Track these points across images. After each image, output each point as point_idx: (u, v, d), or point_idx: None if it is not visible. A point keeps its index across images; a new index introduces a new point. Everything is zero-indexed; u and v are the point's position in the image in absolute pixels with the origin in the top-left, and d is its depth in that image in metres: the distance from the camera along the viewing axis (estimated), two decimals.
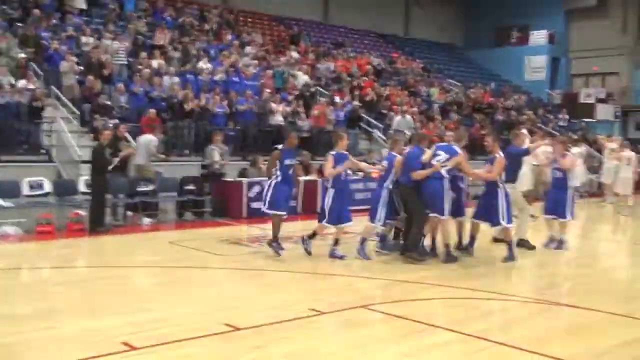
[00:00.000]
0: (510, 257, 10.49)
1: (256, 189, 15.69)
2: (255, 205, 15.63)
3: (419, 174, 10.26)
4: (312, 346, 6.29)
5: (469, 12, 44.86)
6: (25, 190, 13.92)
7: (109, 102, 17.70)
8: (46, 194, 14.14)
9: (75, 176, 15.04)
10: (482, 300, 8.22)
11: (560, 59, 41.52)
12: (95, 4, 23.55)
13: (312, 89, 23.75)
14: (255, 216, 15.46)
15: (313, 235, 11.02)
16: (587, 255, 11.69)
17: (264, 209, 10.92)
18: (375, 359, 5.97)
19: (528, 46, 41.25)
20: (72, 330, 6.57)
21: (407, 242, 10.66)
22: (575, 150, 16.14)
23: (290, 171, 11.08)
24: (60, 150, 16.16)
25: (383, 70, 30.06)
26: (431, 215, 10.35)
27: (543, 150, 14.16)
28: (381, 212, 10.70)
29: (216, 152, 16.30)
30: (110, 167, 13.57)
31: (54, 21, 20.87)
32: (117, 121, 16.47)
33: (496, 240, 11.63)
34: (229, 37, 25.42)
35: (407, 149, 10.88)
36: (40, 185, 14.15)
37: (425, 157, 10.38)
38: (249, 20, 31.05)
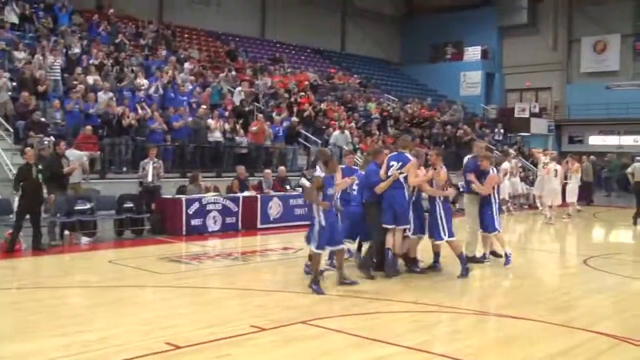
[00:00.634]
0: (464, 272, 10.52)
1: (195, 206, 15.65)
2: (194, 222, 15.61)
3: (380, 188, 10.36)
4: None
5: (404, 29, 45.71)
6: None
7: (43, 119, 17.41)
8: None
9: (9, 195, 14.71)
10: (421, 313, 8.36)
11: (495, 74, 42.65)
12: (27, 18, 23.13)
13: (250, 105, 23.77)
14: (195, 233, 15.44)
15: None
16: (524, 267, 11.99)
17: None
18: None
19: (463, 62, 42.24)
20: (5, 355, 6.44)
21: (364, 257, 10.81)
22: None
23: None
24: None
25: (320, 85, 30.31)
26: (398, 227, 10.44)
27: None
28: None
29: (150, 167, 16.15)
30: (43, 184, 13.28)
31: None
32: (52, 138, 16.19)
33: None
34: (165, 52, 25.29)
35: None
36: None
37: (381, 173, 10.48)
38: (186, 36, 30.96)
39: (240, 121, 21.88)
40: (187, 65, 24.58)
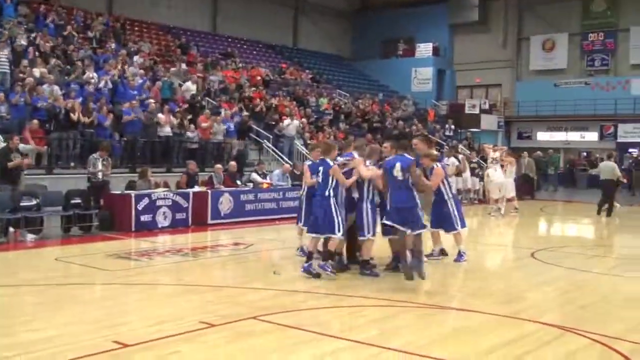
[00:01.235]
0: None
1: (145, 201, 15.47)
2: (144, 218, 15.42)
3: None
4: (204, 359, 6.29)
5: (356, 24, 45.84)
6: None
7: None
8: None
9: None
10: (372, 308, 8.40)
11: (446, 71, 43.10)
12: None
13: (201, 100, 23.58)
14: (144, 229, 15.26)
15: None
16: (473, 261, 12.11)
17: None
18: None
19: (415, 58, 42.53)
20: None
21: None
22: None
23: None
24: None
25: (272, 80, 30.23)
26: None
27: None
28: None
29: (99, 162, 15.88)
30: None
31: None
32: None
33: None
34: (114, 45, 24.92)
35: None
36: None
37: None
38: (136, 29, 30.55)
39: (189, 116, 21.63)
40: (137, 58, 24.25)
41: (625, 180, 23.50)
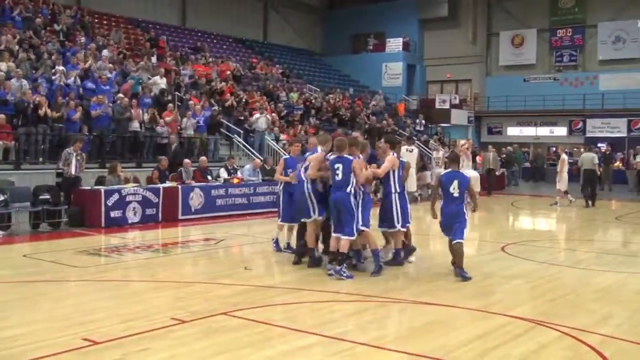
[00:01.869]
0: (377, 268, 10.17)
1: (115, 197, 15.32)
2: (114, 214, 15.27)
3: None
4: (174, 356, 6.24)
5: (326, 19, 45.88)
6: None
7: None
8: None
9: None
10: (342, 303, 8.40)
11: (416, 66, 43.27)
12: None
13: (170, 95, 23.35)
14: (114, 225, 15.12)
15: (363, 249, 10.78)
16: (442, 255, 12.16)
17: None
18: None
19: (385, 53, 42.61)
20: None
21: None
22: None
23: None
24: None
25: (242, 75, 30.10)
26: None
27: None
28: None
29: (73, 157, 15.68)
30: None
31: None
32: None
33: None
34: (83, 39, 24.60)
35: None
36: None
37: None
38: (105, 22, 30.20)
39: (154, 111, 21.29)
40: (105, 52, 23.94)
41: (600, 171, 24.18)
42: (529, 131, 40.15)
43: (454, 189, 9.88)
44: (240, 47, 38.24)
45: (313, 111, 29.70)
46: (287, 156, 12.12)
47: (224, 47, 36.33)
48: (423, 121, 35.39)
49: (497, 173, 27.41)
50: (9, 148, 16.82)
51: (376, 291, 8.94)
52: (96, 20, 29.36)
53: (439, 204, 10.28)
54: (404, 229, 10.71)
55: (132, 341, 6.58)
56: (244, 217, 17.76)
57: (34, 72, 20.05)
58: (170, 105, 21.91)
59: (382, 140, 11.33)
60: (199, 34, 36.15)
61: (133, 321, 7.26)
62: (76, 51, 22.78)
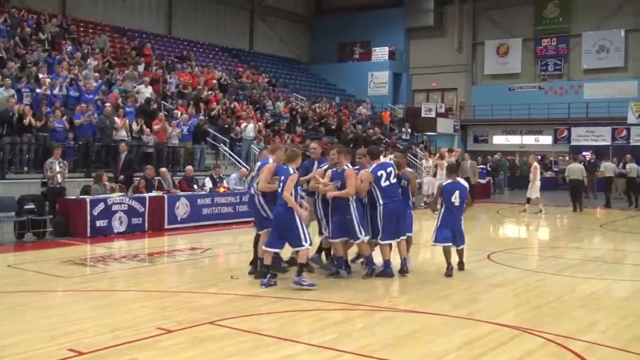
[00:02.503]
0: (369, 272, 10.41)
1: (100, 206, 15.25)
2: (99, 223, 15.21)
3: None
4: None
5: (312, 28, 46.00)
6: None
7: None
8: None
9: None
10: (328, 312, 8.39)
11: (402, 74, 43.46)
12: None
13: (156, 104, 23.28)
14: (100, 235, 15.06)
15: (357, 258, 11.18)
16: (428, 263, 12.21)
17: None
18: None
19: (371, 62, 42.77)
20: None
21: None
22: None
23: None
24: None
25: (229, 84, 30.09)
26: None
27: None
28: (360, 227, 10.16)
29: (56, 165, 15.61)
30: None
31: None
32: None
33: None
34: (70, 48, 24.52)
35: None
36: None
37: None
38: (90, 30, 30.12)
39: (142, 121, 21.19)
40: (91, 61, 23.85)
41: (586, 182, 24.54)
42: (514, 140, 40.42)
43: (455, 198, 10.73)
44: (227, 56, 38.25)
45: (299, 120, 29.72)
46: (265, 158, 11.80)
47: (210, 56, 36.33)
48: (409, 130, 35.50)
49: (472, 182, 27.29)
50: None
51: (363, 299, 8.96)
52: (82, 29, 29.26)
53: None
54: (367, 238, 10.32)
55: (119, 351, 6.55)
56: (230, 226, 17.73)
57: (17, 81, 19.91)
58: (161, 114, 21.84)
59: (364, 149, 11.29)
60: (185, 43, 36.14)
61: (119, 331, 7.23)
62: (61, 60, 22.69)
